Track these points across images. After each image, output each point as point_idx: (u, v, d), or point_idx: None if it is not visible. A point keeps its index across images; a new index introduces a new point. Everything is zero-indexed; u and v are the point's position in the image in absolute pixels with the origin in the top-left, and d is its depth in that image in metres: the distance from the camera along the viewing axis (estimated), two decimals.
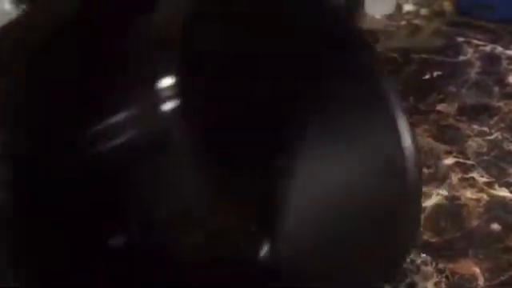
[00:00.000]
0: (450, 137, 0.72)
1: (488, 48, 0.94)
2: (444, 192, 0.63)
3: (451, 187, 0.63)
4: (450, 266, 0.53)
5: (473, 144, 0.70)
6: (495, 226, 0.58)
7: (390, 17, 1.06)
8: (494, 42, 0.96)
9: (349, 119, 0.19)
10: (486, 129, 0.73)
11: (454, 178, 0.65)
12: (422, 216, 0.59)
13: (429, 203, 0.61)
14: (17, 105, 0.17)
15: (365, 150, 0.20)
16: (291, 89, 0.18)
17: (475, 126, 0.74)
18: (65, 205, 0.17)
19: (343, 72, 0.19)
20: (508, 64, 0.90)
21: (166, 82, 0.15)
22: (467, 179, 0.65)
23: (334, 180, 0.20)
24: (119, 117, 0.16)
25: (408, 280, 0.51)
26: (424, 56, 0.92)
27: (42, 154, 0.16)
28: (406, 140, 0.18)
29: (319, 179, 0.20)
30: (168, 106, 0.15)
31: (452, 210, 0.60)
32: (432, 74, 0.87)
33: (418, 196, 0.18)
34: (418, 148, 0.18)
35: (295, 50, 0.18)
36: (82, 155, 0.16)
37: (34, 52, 0.18)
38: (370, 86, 0.19)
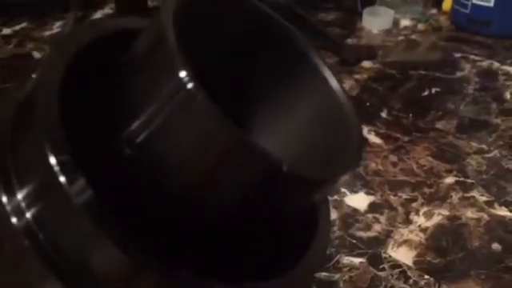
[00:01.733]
0: (449, 155, 0.73)
1: (485, 64, 0.95)
2: (445, 212, 0.63)
3: (452, 207, 0.64)
4: (453, 286, 0.54)
5: (472, 162, 0.71)
6: (496, 246, 0.59)
7: (387, 32, 1.07)
8: (490, 57, 0.97)
9: (287, 81, 0.23)
10: (484, 146, 0.74)
11: (455, 197, 0.66)
12: (425, 237, 0.60)
13: (431, 223, 0.62)
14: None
15: (306, 101, 0.23)
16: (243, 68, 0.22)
17: (474, 144, 0.75)
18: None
19: (274, 48, 0.23)
20: (505, 80, 0.91)
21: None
22: (468, 198, 0.65)
23: (288, 128, 0.23)
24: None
25: None
26: (422, 72, 0.93)
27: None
28: (334, 84, 0.22)
29: (275, 130, 0.23)
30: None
31: (453, 230, 0.61)
32: (430, 91, 0.88)
33: (356, 120, 0.21)
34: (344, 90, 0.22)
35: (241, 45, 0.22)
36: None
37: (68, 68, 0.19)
38: (297, 57, 0.23)
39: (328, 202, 0.27)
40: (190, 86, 0.17)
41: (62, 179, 0.17)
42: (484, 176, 0.69)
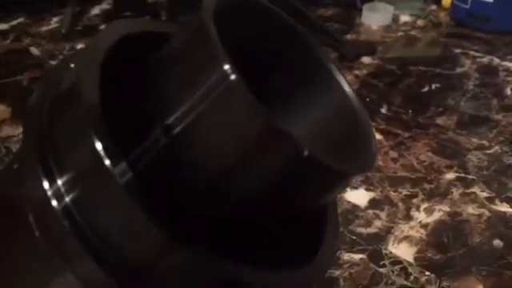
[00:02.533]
0: (450, 151, 0.72)
1: (485, 59, 0.95)
2: (446, 208, 0.63)
3: (453, 203, 0.64)
4: (454, 284, 0.53)
5: (473, 158, 0.71)
6: (497, 242, 0.58)
7: (386, 28, 1.07)
8: (490, 53, 0.97)
9: (304, 85, 0.25)
10: (485, 142, 0.74)
11: (456, 193, 0.65)
12: (425, 233, 0.60)
13: (431, 219, 0.61)
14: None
15: (323, 102, 0.25)
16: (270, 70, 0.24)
17: (475, 140, 0.75)
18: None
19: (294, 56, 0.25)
20: (505, 76, 0.90)
21: None
22: (468, 194, 0.65)
23: (310, 122, 0.25)
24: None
25: None
26: (422, 68, 0.92)
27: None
28: (346, 86, 0.24)
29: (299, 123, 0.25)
30: None
31: (454, 226, 0.60)
32: (430, 87, 0.87)
33: (368, 120, 0.23)
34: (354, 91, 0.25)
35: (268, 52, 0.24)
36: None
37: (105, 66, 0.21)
38: (312, 61, 0.25)
39: (336, 204, 0.27)
40: (232, 77, 0.18)
41: (107, 162, 0.18)
42: (485, 172, 0.68)
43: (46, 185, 0.20)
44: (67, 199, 0.20)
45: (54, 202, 0.20)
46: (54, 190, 0.20)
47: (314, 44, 0.26)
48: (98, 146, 0.19)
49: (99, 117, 0.19)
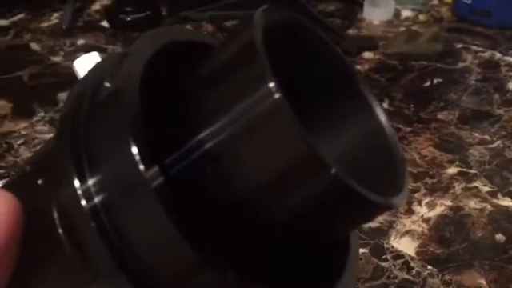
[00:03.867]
0: (452, 146, 0.72)
1: (487, 54, 0.95)
2: (448, 202, 0.63)
3: (455, 197, 0.64)
4: (457, 277, 0.53)
5: (475, 152, 0.71)
6: (499, 237, 0.58)
7: (388, 23, 1.06)
8: (492, 48, 0.96)
9: (338, 111, 0.24)
10: (487, 137, 0.74)
11: (458, 187, 0.65)
12: (427, 227, 0.59)
13: (433, 214, 0.61)
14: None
15: (357, 129, 0.24)
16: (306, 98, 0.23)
17: (476, 134, 0.74)
18: None
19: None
20: (507, 70, 0.90)
21: None
22: (470, 189, 0.65)
23: (341, 150, 0.24)
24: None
25: None
26: (424, 63, 0.92)
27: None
28: (383, 117, 0.23)
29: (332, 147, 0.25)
30: None
31: (456, 220, 0.60)
32: (432, 81, 0.87)
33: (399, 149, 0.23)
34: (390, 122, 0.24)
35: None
36: None
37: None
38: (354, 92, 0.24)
39: (358, 235, 0.27)
40: (277, 96, 0.18)
41: (141, 167, 0.18)
42: (487, 166, 0.68)
43: (76, 183, 0.20)
44: (96, 200, 0.20)
45: (84, 202, 0.20)
46: (84, 188, 0.20)
47: (358, 79, 0.25)
48: (134, 149, 0.19)
49: (138, 121, 0.19)
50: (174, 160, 0.19)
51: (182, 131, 0.20)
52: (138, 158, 0.18)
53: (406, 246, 0.57)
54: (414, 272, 0.54)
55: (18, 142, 0.72)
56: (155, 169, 0.18)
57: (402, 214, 0.61)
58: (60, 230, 0.20)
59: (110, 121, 0.20)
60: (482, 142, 0.73)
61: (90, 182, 0.20)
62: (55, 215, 0.20)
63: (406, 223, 0.60)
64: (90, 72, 0.23)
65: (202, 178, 0.19)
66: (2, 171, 0.67)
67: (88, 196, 0.20)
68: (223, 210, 0.19)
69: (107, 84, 0.21)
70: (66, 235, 0.20)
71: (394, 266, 0.54)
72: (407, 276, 0.53)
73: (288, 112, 0.17)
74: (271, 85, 0.17)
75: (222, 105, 0.19)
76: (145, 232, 0.19)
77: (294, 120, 0.17)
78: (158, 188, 0.18)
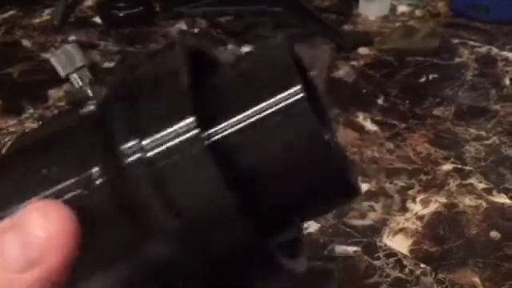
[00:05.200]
0: (447, 142, 0.71)
1: (483, 49, 0.93)
2: (443, 199, 0.62)
3: (449, 194, 0.62)
4: (450, 275, 0.52)
5: (470, 149, 0.70)
6: (494, 234, 0.57)
7: (384, 18, 1.05)
8: (489, 43, 0.95)
9: None
10: (483, 133, 0.73)
11: (452, 184, 0.64)
12: (421, 225, 0.58)
13: (427, 211, 0.60)
14: None
15: None
16: None
17: (472, 130, 0.73)
18: None
19: None
20: (504, 66, 0.89)
21: None
22: (465, 185, 0.64)
23: None
24: None
25: None
26: (419, 58, 0.91)
27: None
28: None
29: None
30: None
31: (451, 217, 0.59)
32: (428, 77, 0.86)
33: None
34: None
35: None
36: None
37: None
38: None
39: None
40: (302, 95, 0.21)
41: (196, 131, 0.21)
42: (482, 163, 0.67)
43: (129, 143, 0.21)
44: (148, 155, 0.21)
45: (133, 158, 0.21)
46: (136, 148, 0.22)
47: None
48: (190, 118, 0.21)
49: (190, 95, 0.22)
50: (218, 130, 0.22)
51: (222, 111, 0.23)
52: (191, 121, 0.21)
53: (400, 244, 0.56)
54: (406, 270, 0.53)
55: (6, 139, 0.71)
56: (205, 132, 0.21)
57: (395, 211, 0.60)
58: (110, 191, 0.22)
59: (166, 93, 0.23)
60: (478, 138, 0.72)
61: (144, 142, 0.21)
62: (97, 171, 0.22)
63: (400, 221, 0.59)
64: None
65: (240, 146, 0.22)
66: None
67: (141, 153, 0.21)
68: (249, 174, 0.22)
69: (155, 66, 0.24)
70: (115, 193, 0.22)
71: (387, 264, 0.53)
72: (400, 274, 0.52)
73: (307, 107, 0.21)
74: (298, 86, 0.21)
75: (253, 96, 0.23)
76: (194, 183, 0.21)
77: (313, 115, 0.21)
78: (209, 145, 0.21)
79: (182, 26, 0.99)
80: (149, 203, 0.21)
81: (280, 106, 0.22)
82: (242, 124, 0.22)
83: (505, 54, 0.92)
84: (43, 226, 0.21)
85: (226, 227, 0.21)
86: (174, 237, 0.21)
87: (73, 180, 0.22)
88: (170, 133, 0.21)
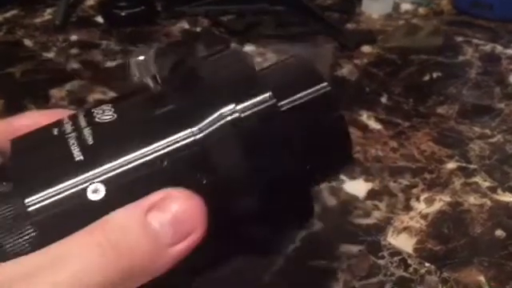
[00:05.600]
0: (451, 140, 0.71)
1: (488, 47, 0.93)
2: (447, 198, 0.61)
3: (454, 193, 0.62)
4: (455, 275, 0.51)
5: (475, 147, 0.69)
6: (499, 233, 0.56)
7: (387, 16, 1.05)
8: (493, 41, 0.95)
9: None
10: (487, 131, 0.72)
11: (457, 183, 0.63)
12: (425, 223, 0.58)
13: (432, 210, 0.60)
14: None
15: None
16: None
17: (477, 129, 0.73)
18: None
19: None
20: (508, 64, 0.88)
21: None
22: (470, 184, 0.63)
23: None
24: None
25: None
26: (423, 57, 0.90)
27: None
28: None
29: None
30: None
31: (455, 216, 0.59)
32: (432, 75, 0.85)
33: None
34: None
35: None
36: None
37: None
38: None
39: None
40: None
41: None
42: (487, 161, 0.67)
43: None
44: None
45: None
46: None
47: None
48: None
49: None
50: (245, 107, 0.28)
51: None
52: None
53: (404, 242, 0.55)
54: (411, 269, 0.52)
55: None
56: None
57: (399, 210, 0.60)
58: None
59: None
60: (483, 137, 0.71)
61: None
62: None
63: (404, 219, 0.58)
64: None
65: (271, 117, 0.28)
66: None
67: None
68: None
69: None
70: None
71: (391, 263, 0.53)
72: (404, 273, 0.52)
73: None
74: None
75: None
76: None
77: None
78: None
79: (185, 25, 0.99)
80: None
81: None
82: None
83: (509, 51, 0.91)
84: (186, 203, 0.25)
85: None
86: None
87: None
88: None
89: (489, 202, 0.60)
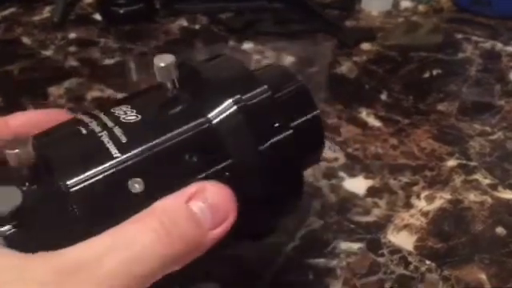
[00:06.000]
0: (451, 138, 0.70)
1: (488, 45, 0.92)
2: (447, 195, 0.61)
3: (454, 190, 0.62)
4: (456, 272, 0.51)
5: (475, 144, 0.69)
6: (500, 230, 0.56)
7: (387, 14, 1.04)
8: (493, 38, 0.94)
9: None
10: (488, 128, 0.72)
11: (457, 180, 0.63)
12: (426, 221, 0.58)
13: (432, 207, 0.59)
14: None
15: None
16: None
17: (477, 126, 0.72)
18: None
19: None
20: (508, 61, 0.88)
21: None
22: (470, 181, 0.63)
23: None
24: None
25: None
26: (423, 54, 0.90)
27: None
28: None
29: None
30: None
31: (456, 213, 0.58)
32: (431, 73, 0.85)
33: None
34: None
35: None
36: None
37: None
38: None
39: None
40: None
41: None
42: (487, 158, 0.66)
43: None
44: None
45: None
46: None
47: None
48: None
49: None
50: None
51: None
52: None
53: (404, 240, 0.55)
54: (411, 267, 0.52)
55: None
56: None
57: (399, 207, 0.59)
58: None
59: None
60: (483, 134, 0.71)
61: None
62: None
63: (404, 217, 0.58)
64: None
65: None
66: None
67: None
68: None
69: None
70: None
71: (392, 261, 0.52)
72: (405, 271, 0.51)
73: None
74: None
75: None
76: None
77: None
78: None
79: (183, 22, 0.98)
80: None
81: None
82: None
83: (509, 49, 0.91)
84: (220, 192, 0.28)
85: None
86: None
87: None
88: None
89: (489, 200, 0.60)
